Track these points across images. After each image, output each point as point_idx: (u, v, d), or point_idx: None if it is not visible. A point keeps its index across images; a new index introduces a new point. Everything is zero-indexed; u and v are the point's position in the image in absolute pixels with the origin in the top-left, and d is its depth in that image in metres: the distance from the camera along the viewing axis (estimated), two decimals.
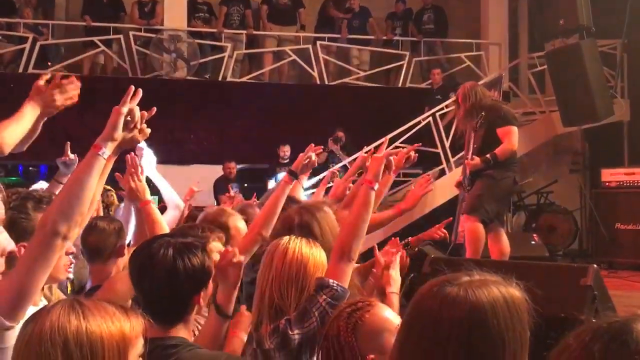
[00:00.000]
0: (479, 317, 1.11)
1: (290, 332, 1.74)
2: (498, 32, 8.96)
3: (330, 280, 1.79)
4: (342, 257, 1.86)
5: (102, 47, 8.20)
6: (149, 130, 1.72)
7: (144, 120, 1.69)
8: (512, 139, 4.57)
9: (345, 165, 7.04)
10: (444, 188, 7.61)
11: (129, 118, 1.61)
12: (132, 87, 1.62)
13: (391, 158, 2.04)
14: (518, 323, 1.14)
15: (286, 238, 1.89)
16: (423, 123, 7.87)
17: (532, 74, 8.21)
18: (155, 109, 1.74)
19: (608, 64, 7.57)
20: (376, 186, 1.99)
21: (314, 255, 1.85)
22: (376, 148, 2.99)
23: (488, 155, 4.45)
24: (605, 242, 6.73)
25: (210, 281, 1.69)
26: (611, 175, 6.83)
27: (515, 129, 4.64)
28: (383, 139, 2.33)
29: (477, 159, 4.53)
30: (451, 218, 3.87)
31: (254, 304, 1.85)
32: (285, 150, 7.62)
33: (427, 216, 7.41)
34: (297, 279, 1.80)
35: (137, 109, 1.63)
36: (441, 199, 7.55)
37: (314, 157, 2.69)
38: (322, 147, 3.64)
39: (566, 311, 2.47)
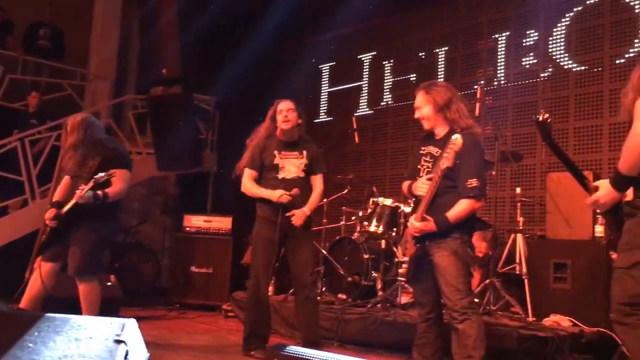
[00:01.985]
0: None
1: None
2: (106, 67, 8.88)
3: None
4: None
5: None
6: None
7: None
8: (124, 181, 4.33)
9: None
10: (26, 220, 7.04)
11: None
12: None
13: None
14: None
15: None
16: (9, 146, 7.17)
17: (134, 115, 8.34)
18: None
19: (202, 117, 8.23)
20: None
21: None
22: None
23: (100, 192, 4.13)
24: (181, 283, 7.13)
25: None
26: (192, 221, 7.33)
27: (128, 172, 4.41)
28: None
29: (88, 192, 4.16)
30: None
31: None
32: None
33: (5, 248, 6.74)
34: None
35: None
36: (22, 232, 6.95)
37: None
38: None
39: None
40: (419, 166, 3.54)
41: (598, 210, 2.82)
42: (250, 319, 4.43)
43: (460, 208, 3.27)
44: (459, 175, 3.27)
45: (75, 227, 4.14)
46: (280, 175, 4.39)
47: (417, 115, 3.53)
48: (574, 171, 2.74)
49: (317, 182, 4.49)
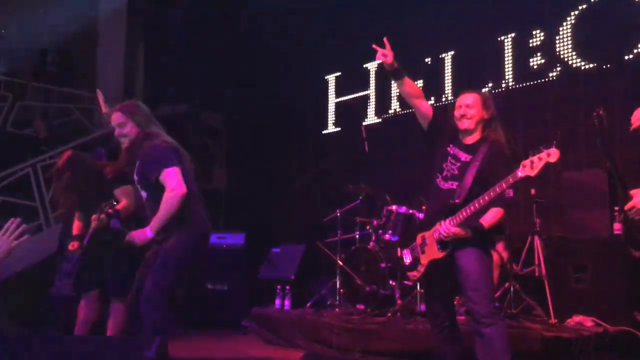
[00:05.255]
0: None
1: None
2: (113, 89, 8.92)
3: None
4: None
5: None
6: None
7: None
8: (128, 195, 4.35)
9: None
10: (40, 245, 7.05)
11: None
12: None
13: None
14: None
15: None
16: (22, 173, 7.24)
17: None
18: None
19: (211, 134, 8.26)
20: None
21: None
22: None
23: (111, 211, 4.04)
24: (197, 301, 7.10)
25: None
26: None
27: (128, 187, 4.33)
28: None
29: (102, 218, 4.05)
30: None
31: None
32: None
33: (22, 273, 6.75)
34: None
35: None
36: (38, 257, 6.96)
37: None
38: None
39: None
40: (443, 165, 3.47)
41: (636, 216, 2.95)
42: None
43: (493, 216, 3.24)
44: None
45: (111, 252, 4.29)
46: None
47: (462, 111, 3.44)
48: (618, 173, 3.19)
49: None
